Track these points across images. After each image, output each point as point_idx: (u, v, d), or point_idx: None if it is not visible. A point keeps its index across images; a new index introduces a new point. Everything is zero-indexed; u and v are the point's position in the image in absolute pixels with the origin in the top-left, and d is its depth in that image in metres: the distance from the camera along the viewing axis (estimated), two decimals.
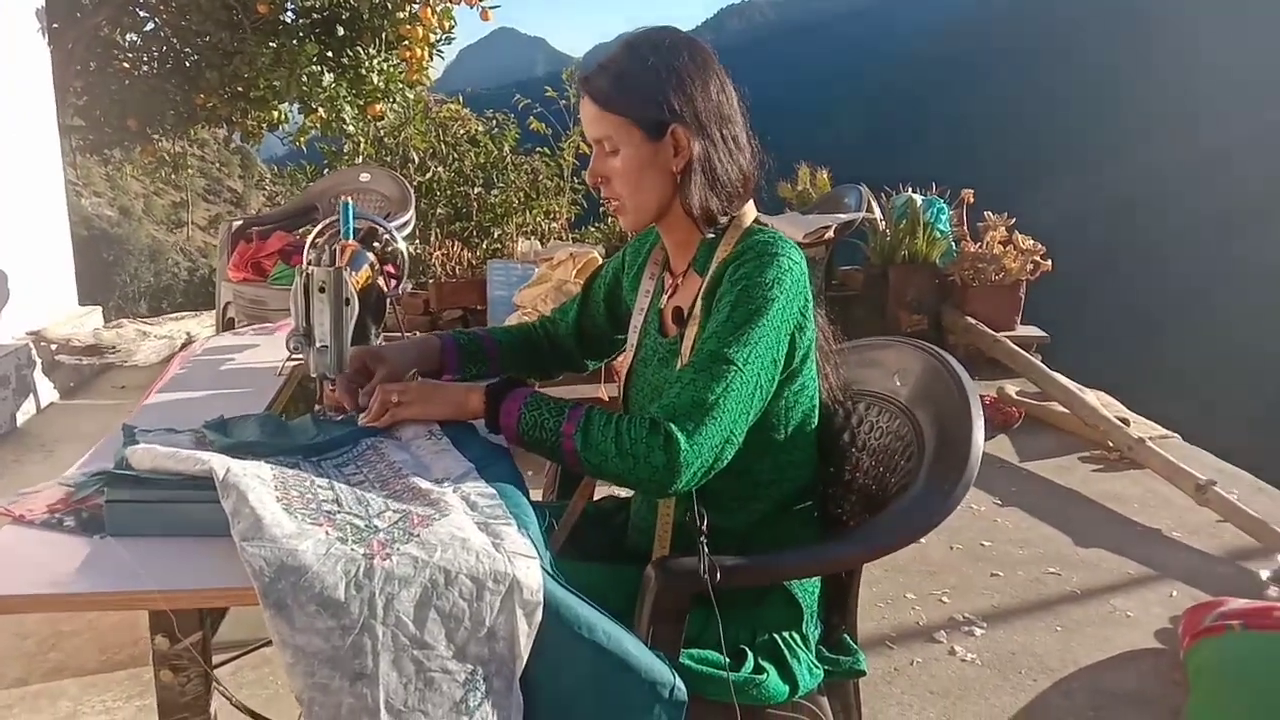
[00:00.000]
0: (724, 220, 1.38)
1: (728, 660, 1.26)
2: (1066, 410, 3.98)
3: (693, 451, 1.18)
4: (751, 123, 1.40)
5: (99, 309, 5.12)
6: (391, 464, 1.22)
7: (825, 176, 5.85)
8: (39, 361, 4.22)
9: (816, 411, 1.43)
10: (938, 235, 4.97)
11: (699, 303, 1.35)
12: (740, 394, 1.22)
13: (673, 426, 1.19)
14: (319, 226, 1.68)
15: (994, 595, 2.69)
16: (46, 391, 4.28)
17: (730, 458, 1.24)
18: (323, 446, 1.27)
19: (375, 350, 1.52)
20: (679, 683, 1.08)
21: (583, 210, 7.03)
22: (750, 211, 1.40)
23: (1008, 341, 4.57)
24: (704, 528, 1.27)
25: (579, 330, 1.69)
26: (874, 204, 5.07)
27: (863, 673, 1.45)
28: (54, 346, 4.32)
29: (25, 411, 4.07)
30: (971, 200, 5.20)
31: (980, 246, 4.94)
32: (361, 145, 6.74)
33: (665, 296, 1.48)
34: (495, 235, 6.42)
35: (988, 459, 3.70)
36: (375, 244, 1.76)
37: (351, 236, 1.61)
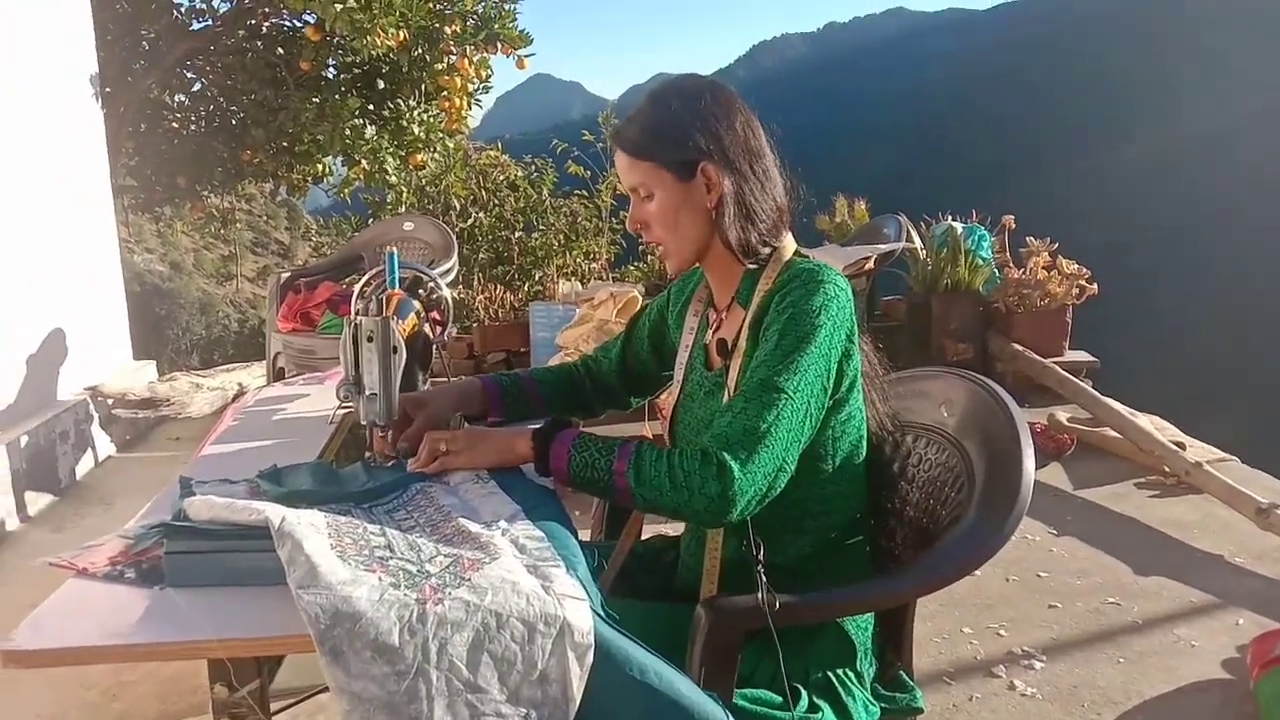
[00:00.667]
0: (764, 252, 1.39)
1: (786, 696, 1.25)
2: (1120, 436, 3.91)
3: (747, 480, 1.19)
4: (782, 156, 1.42)
5: (153, 363, 5.24)
6: (440, 508, 1.24)
7: (863, 207, 5.85)
8: (96, 416, 4.32)
9: (864, 442, 1.43)
10: (980, 262, 4.93)
11: (744, 333, 1.36)
12: (791, 421, 1.22)
13: (726, 456, 1.19)
14: (366, 277, 1.71)
15: (1053, 627, 2.63)
16: (104, 445, 4.37)
17: (783, 485, 1.24)
18: (374, 493, 1.29)
19: (416, 396, 1.55)
20: None
21: (622, 250, 7.10)
22: (790, 244, 1.42)
23: (1057, 368, 4.50)
24: (760, 558, 1.27)
25: (623, 367, 1.71)
26: (913, 233, 5.06)
27: (920, 710, 1.43)
28: (110, 401, 4.42)
29: (84, 465, 4.17)
30: (1013, 226, 5.15)
31: (1024, 272, 4.89)
32: (404, 194, 6.87)
33: (710, 331, 1.49)
34: (537, 278, 6.50)
35: (1041, 488, 3.64)
36: (420, 292, 1.79)
37: (397, 285, 1.64)
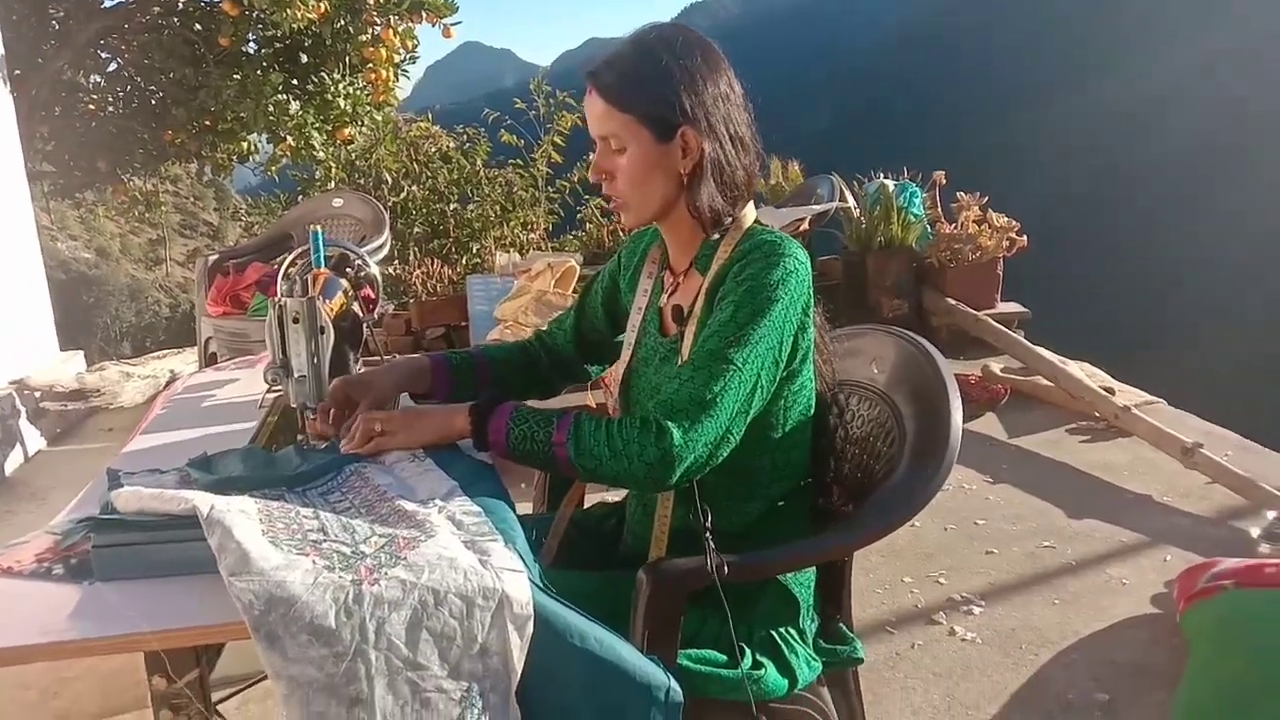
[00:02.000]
0: (727, 221, 1.37)
1: (732, 654, 1.27)
2: (1052, 384, 4.01)
3: (687, 446, 1.19)
4: (755, 118, 1.38)
5: (81, 353, 5.11)
6: (376, 488, 1.23)
7: (797, 168, 5.87)
8: (24, 410, 4.20)
9: (813, 408, 1.43)
10: (912, 219, 4.99)
11: (701, 301, 1.35)
12: (739, 393, 1.22)
13: (668, 423, 1.19)
14: (290, 257, 1.68)
15: (990, 573, 2.70)
16: (34, 440, 4.26)
17: (726, 455, 1.25)
18: (307, 476, 1.27)
19: (358, 378, 1.50)
20: (674, 684, 1.09)
21: (560, 219, 7.05)
22: (750, 212, 1.40)
23: (990, 320, 4.59)
24: (709, 525, 1.27)
25: (579, 337, 1.67)
26: (847, 192, 5.09)
27: (860, 660, 1.46)
28: (38, 394, 4.31)
29: (14, 461, 4.06)
30: (944, 182, 5.21)
31: (955, 227, 4.96)
32: (333, 170, 6.74)
33: (665, 295, 1.47)
34: (474, 250, 6.44)
35: (977, 438, 3.72)
36: (348, 270, 1.76)
37: (323, 264, 1.61)
